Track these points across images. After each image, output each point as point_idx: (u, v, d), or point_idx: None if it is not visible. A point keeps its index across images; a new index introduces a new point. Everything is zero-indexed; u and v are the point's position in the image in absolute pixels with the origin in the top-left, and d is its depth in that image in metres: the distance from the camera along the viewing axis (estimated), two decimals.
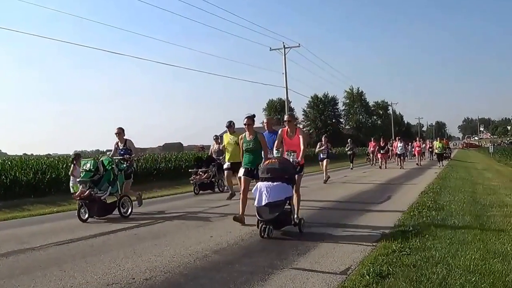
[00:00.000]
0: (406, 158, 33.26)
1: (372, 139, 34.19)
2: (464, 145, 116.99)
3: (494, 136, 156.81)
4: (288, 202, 7.00)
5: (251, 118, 8.50)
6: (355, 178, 19.92)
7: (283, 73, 38.16)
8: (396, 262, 5.19)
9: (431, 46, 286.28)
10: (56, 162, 17.47)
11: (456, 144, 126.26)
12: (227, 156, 12.05)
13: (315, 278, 4.77)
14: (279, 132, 8.24)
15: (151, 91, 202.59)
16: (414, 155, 34.23)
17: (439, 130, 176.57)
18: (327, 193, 13.70)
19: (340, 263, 5.38)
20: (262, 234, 6.68)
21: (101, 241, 7.09)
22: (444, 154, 32.34)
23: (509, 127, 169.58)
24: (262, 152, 8.30)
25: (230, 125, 11.99)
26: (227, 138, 11.95)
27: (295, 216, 7.32)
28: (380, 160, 29.02)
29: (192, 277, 4.92)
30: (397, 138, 32.47)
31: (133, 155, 10.26)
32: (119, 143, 10.25)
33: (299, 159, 7.56)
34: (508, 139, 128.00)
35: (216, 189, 14.98)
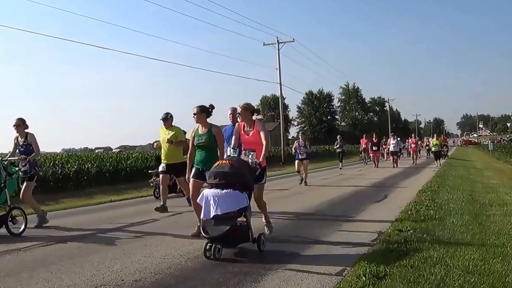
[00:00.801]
0: (401, 156, 32.37)
1: (364, 136, 33.16)
2: (463, 142, 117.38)
3: (494, 133, 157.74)
4: (243, 214, 5.76)
5: (202, 108, 7.19)
6: (349, 177, 19.94)
7: (277, 69, 38.19)
8: (393, 262, 5.18)
9: (429, 42, 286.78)
10: (43, 160, 17.42)
11: (455, 141, 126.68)
12: (162, 155, 10.09)
13: (310, 279, 4.76)
14: (235, 126, 6.99)
15: (140, 87, 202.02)
16: (410, 153, 32.96)
17: (437, 127, 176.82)
18: (321, 193, 13.72)
19: (335, 264, 5.36)
20: (207, 255, 5.51)
21: (89, 241, 7.05)
22: (442, 152, 30.70)
23: (508, 124, 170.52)
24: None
25: (167, 118, 10.06)
26: (162, 133, 9.99)
27: (266, 228, 6.77)
28: (372, 158, 27.91)
29: (183, 278, 4.90)
30: (390, 134, 31.64)
31: (33, 154, 8.42)
32: (19, 138, 8.56)
33: (260, 159, 6.15)
34: (507, 136, 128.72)
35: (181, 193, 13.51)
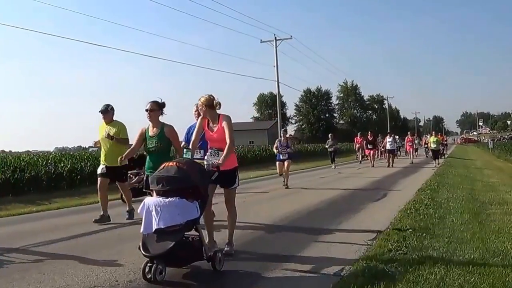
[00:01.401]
0: (397, 155, 31.77)
1: (359, 134, 31.57)
2: (463, 140, 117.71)
3: (494, 131, 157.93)
4: (194, 227, 4.84)
5: (158, 103, 6.59)
6: (347, 175, 19.97)
7: (274, 66, 38.11)
8: (392, 262, 5.18)
9: (428, 39, 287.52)
10: (36, 159, 17.37)
11: (455, 139, 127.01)
12: (101, 155, 8.80)
13: (308, 280, 4.78)
14: (198, 121, 5.92)
15: (135, 85, 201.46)
16: (406, 151, 32.61)
17: (436, 125, 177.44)
18: (321, 193, 13.72)
19: (334, 263, 5.37)
20: (147, 277, 4.60)
21: (82, 242, 7.02)
22: (440, 151, 29.24)
23: (509, 122, 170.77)
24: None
25: (107, 110, 8.55)
26: (102, 130, 8.61)
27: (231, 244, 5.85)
28: (368, 156, 26.89)
29: (178, 279, 4.89)
30: (387, 132, 30.53)
31: None
32: None
33: (220, 160, 5.33)
34: (508, 134, 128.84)
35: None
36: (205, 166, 5.19)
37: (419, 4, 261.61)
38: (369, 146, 26.05)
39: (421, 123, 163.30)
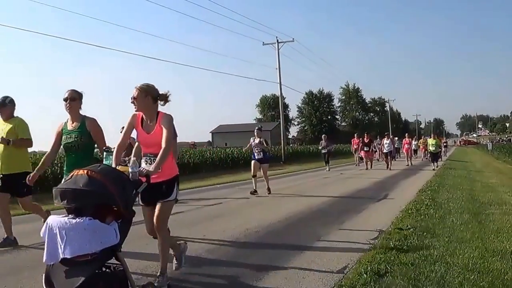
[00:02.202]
0: (395, 157, 30.81)
1: (355, 135, 28.95)
2: (463, 142, 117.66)
3: (493, 133, 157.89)
4: (114, 256, 3.50)
5: (78, 92, 5.40)
6: (349, 176, 19.96)
7: (276, 68, 38.08)
8: (394, 260, 5.22)
9: (429, 42, 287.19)
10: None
11: (455, 141, 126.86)
12: None
13: (312, 277, 4.80)
14: (129, 119, 4.50)
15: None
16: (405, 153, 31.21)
17: (437, 127, 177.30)
18: (325, 191, 13.73)
19: (337, 261, 5.41)
20: None
21: None
22: (439, 154, 26.62)
23: (507, 124, 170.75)
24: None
25: (4, 104, 6.50)
26: None
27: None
28: (364, 159, 25.28)
29: (183, 278, 4.91)
30: (385, 134, 29.20)
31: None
32: None
33: (152, 168, 4.03)
34: (506, 136, 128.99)
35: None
36: (130, 175, 3.77)
37: (420, 8, 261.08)
38: (365, 148, 24.72)
39: (422, 125, 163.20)
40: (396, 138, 35.59)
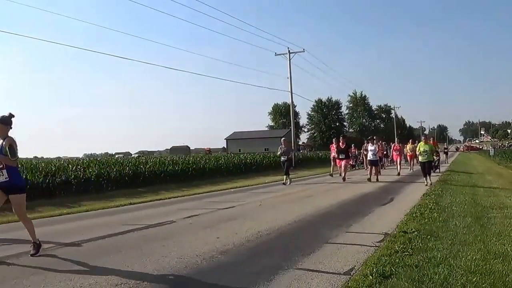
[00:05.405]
0: (383, 165, 26.75)
1: (334, 140, 21.93)
2: (465, 148, 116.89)
3: (495, 139, 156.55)
4: None
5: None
6: (356, 181, 19.85)
7: (287, 78, 38.14)
8: (398, 262, 5.19)
9: (434, 50, 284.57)
10: (66, 164, 17.58)
11: (458, 147, 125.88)
12: None
13: (320, 278, 4.78)
14: None
15: (159, 95, 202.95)
16: (393, 161, 26.51)
17: (441, 133, 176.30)
18: (332, 197, 13.70)
19: (343, 263, 5.39)
20: None
21: (109, 242, 7.08)
22: (433, 163, 19.84)
23: (509, 131, 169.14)
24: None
25: None
26: None
27: None
28: (339, 168, 19.95)
29: (199, 277, 4.93)
30: (368, 139, 22.81)
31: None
32: None
33: None
34: (508, 142, 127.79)
35: None
36: None
37: (425, 17, 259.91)
38: (340, 156, 19.70)
39: (426, 132, 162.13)
40: (384, 143, 30.51)
